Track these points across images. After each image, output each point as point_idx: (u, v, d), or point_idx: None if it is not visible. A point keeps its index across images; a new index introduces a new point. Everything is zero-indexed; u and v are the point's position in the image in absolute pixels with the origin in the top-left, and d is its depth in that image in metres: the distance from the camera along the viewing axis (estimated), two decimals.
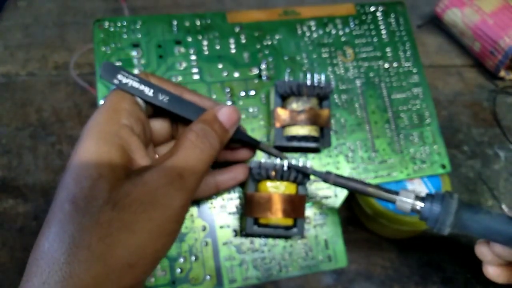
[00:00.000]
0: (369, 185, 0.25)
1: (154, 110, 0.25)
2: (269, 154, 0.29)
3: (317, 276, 0.38)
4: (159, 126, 0.26)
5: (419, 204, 0.24)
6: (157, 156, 0.26)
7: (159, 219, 0.20)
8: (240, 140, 0.27)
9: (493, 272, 0.26)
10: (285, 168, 0.27)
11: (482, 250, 0.25)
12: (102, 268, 0.18)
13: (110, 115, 0.22)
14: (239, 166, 0.28)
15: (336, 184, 0.26)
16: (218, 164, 0.29)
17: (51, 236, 0.18)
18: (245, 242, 0.30)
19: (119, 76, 0.23)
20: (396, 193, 0.25)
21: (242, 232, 0.30)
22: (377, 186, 0.25)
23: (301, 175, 0.28)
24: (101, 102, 0.31)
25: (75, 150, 0.21)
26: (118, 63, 0.32)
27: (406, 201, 0.24)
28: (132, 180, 0.20)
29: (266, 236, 0.30)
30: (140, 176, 0.20)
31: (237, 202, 0.31)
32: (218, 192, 0.29)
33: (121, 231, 0.19)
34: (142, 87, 0.24)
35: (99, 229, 0.18)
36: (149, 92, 0.24)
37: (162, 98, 0.24)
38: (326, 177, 0.26)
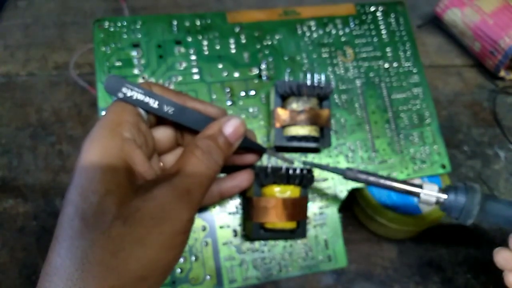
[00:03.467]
0: (391, 179, 0.25)
1: (158, 119, 0.25)
2: (278, 158, 0.29)
3: (317, 276, 0.38)
4: (163, 134, 0.26)
5: (443, 196, 0.25)
6: (161, 164, 0.26)
7: (169, 232, 0.20)
8: (246, 147, 0.27)
9: None
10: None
11: (505, 256, 0.24)
12: (115, 282, 0.18)
13: (113, 129, 0.22)
14: (242, 173, 0.28)
15: (357, 179, 0.25)
16: (223, 168, 0.29)
17: (62, 252, 0.19)
18: (245, 242, 0.30)
19: (124, 89, 0.23)
20: (420, 187, 0.25)
21: (246, 236, 0.30)
22: (399, 180, 0.25)
23: (306, 178, 0.28)
24: (101, 101, 0.31)
25: (78, 164, 0.21)
26: (118, 63, 0.32)
27: (430, 194, 0.25)
28: (141, 195, 0.20)
29: (270, 239, 0.30)
30: (149, 192, 0.20)
31: (237, 202, 0.31)
32: (221, 199, 0.29)
33: (134, 245, 0.19)
34: (147, 99, 0.23)
35: (111, 244, 0.19)
36: (154, 104, 0.24)
37: (167, 110, 0.24)
38: (347, 174, 0.26)
